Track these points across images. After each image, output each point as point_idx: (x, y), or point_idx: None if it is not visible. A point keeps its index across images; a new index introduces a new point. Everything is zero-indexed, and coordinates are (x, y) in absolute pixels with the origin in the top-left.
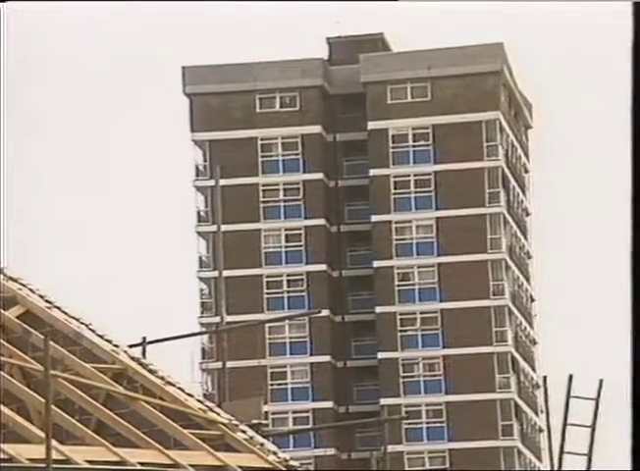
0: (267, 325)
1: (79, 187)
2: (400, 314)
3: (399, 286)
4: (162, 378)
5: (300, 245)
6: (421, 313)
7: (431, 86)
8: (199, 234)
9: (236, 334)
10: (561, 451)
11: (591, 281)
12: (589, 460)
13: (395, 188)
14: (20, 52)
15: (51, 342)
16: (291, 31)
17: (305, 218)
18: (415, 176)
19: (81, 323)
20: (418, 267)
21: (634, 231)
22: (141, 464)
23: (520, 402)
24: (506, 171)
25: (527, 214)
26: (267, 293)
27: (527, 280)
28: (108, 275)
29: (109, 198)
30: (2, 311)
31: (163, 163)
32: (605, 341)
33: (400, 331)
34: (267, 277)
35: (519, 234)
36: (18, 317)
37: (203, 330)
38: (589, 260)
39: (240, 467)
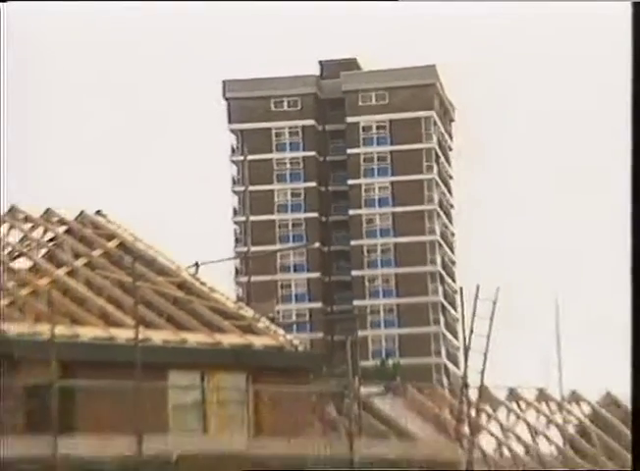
0: (279, 253)
1: (146, 157)
2: (367, 246)
3: (366, 227)
4: (210, 287)
5: (300, 200)
6: (381, 245)
7: (389, 94)
8: (234, 192)
9: (258, 259)
10: (471, 333)
11: (502, 209)
12: (488, 340)
13: (363, 162)
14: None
15: (136, 263)
16: (296, 51)
17: (304, 181)
18: (377, 153)
19: (156, 250)
20: (379, 214)
21: (634, 229)
22: (197, 343)
23: (446, 304)
24: (438, 150)
25: (451, 178)
26: (278, 232)
27: (450, 222)
28: (173, 218)
29: (172, 173)
30: (105, 243)
31: (211, 145)
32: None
33: (366, 256)
34: (279, 221)
35: (446, 192)
36: (116, 247)
37: (236, 256)
38: (495, 192)
39: (266, 347)
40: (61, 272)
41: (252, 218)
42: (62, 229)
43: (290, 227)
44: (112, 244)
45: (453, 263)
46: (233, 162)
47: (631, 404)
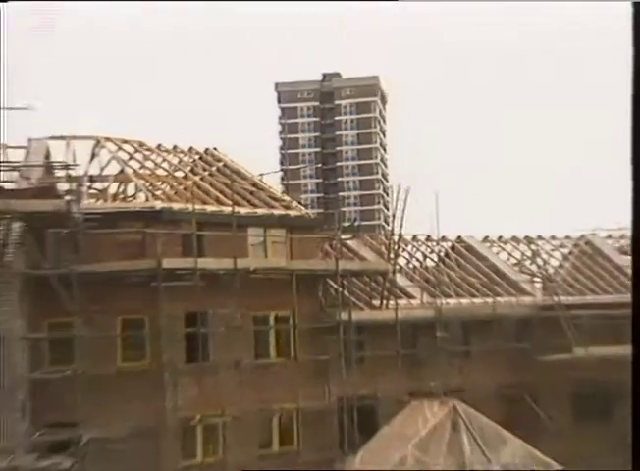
0: (301, 170)
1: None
2: (344, 165)
3: (344, 155)
4: (268, 186)
5: (312, 142)
6: (351, 165)
7: (357, 89)
8: (280, 139)
9: (292, 171)
10: (395, 208)
11: (415, 149)
12: (403, 212)
13: (343, 123)
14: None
15: (232, 173)
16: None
17: (313, 132)
18: (350, 119)
19: (241, 167)
20: (351, 149)
21: (634, 230)
22: (262, 213)
23: (384, 194)
24: (379, 117)
25: (385, 131)
26: (301, 158)
27: (385, 153)
28: (249, 151)
29: (248, 129)
30: (217, 163)
31: (269, 115)
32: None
33: (344, 170)
34: (301, 153)
35: (383, 138)
36: (222, 165)
37: (281, 169)
38: (407, 137)
39: (295, 216)
40: (197, 178)
41: (288, 151)
42: (197, 156)
43: (306, 156)
44: (220, 164)
45: (387, 174)
46: (279, 123)
47: (632, 403)
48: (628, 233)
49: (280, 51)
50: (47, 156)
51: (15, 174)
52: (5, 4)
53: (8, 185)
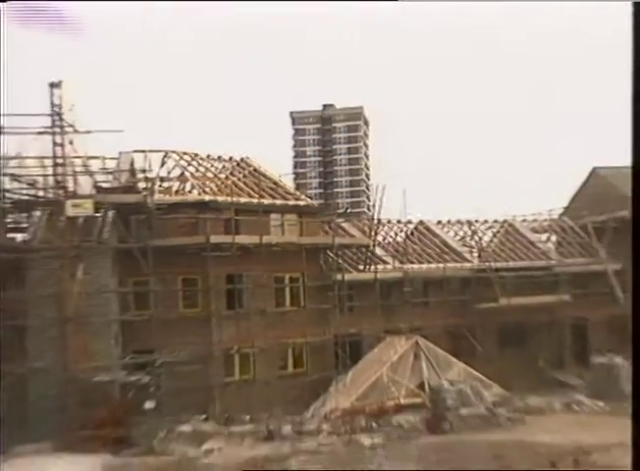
0: (307, 173)
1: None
2: (339, 169)
3: (339, 161)
4: (285, 183)
5: (316, 152)
6: (345, 169)
7: (346, 115)
8: (294, 150)
9: (301, 173)
10: (375, 199)
11: (390, 157)
12: (381, 202)
13: (338, 139)
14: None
15: (260, 175)
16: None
17: (317, 146)
18: (343, 137)
19: (266, 170)
20: (343, 158)
21: (635, 232)
22: (280, 204)
23: (367, 191)
24: (364, 136)
25: (368, 145)
26: (307, 164)
27: (368, 160)
28: (272, 158)
29: (272, 144)
30: (271, 171)
31: (286, 133)
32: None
33: (339, 172)
34: (307, 160)
35: (367, 151)
36: (253, 170)
37: (294, 172)
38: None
39: (304, 205)
40: (235, 178)
41: (299, 159)
42: (235, 163)
43: (312, 162)
44: (251, 168)
45: (370, 175)
46: (293, 139)
47: (632, 400)
48: (539, 217)
49: (280, 51)
50: (132, 164)
51: (110, 176)
52: (4, 4)
53: (105, 185)
